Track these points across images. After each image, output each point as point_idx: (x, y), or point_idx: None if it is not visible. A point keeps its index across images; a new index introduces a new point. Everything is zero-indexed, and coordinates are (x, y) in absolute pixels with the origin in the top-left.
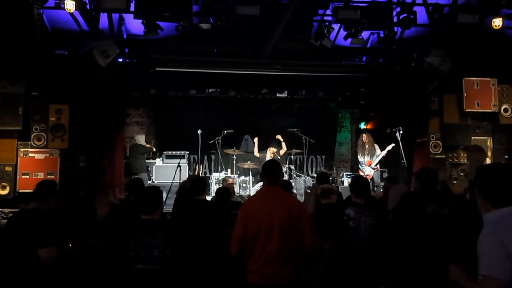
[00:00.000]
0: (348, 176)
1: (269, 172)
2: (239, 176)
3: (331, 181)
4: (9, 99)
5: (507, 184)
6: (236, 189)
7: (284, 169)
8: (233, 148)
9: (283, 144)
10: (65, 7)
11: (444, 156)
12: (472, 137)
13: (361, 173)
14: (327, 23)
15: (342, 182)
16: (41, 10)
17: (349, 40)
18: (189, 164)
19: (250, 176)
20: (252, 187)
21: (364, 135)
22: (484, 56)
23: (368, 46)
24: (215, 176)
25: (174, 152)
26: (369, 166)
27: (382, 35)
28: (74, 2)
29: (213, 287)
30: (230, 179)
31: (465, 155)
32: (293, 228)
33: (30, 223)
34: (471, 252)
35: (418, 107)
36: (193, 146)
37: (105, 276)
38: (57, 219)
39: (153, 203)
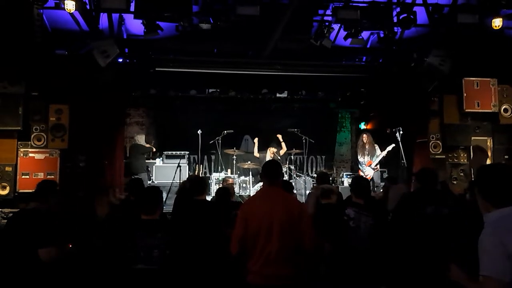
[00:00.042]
0: (348, 176)
1: (269, 173)
2: (239, 176)
3: (331, 181)
4: (9, 99)
5: (507, 185)
6: (236, 189)
7: (284, 169)
8: (233, 148)
9: (283, 144)
10: (65, 7)
11: (444, 156)
12: (472, 137)
13: (361, 173)
14: (327, 23)
15: (342, 182)
16: (41, 10)
17: (349, 40)
18: (189, 164)
19: (250, 176)
20: (252, 187)
21: (364, 135)
22: (484, 56)
23: (368, 46)
24: (215, 176)
25: (174, 152)
26: (369, 166)
27: (382, 35)
28: (74, 2)
29: (213, 287)
30: (230, 179)
31: (465, 155)
32: (293, 228)
33: (30, 223)
34: (471, 252)
35: (418, 107)
36: (193, 146)
37: (105, 276)
38: (57, 219)
39: (153, 203)
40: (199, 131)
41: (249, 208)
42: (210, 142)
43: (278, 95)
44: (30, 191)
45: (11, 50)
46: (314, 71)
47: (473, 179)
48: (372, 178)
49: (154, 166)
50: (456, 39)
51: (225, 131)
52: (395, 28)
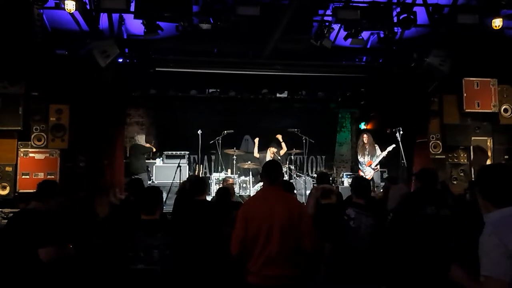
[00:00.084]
0: (348, 177)
1: (270, 173)
2: (239, 176)
3: (331, 181)
4: (9, 99)
5: (508, 185)
6: (236, 189)
7: (284, 169)
8: (233, 148)
9: (283, 144)
10: (65, 7)
11: (444, 156)
12: (472, 138)
13: (361, 174)
14: (327, 23)
15: (342, 182)
16: (41, 10)
17: (349, 40)
18: (189, 164)
19: (250, 176)
20: (252, 187)
21: (364, 135)
22: (484, 56)
23: (368, 46)
24: (215, 176)
25: (174, 152)
26: (369, 166)
27: (382, 35)
28: (74, 2)
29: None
30: (230, 179)
31: (465, 155)
32: (293, 229)
33: (30, 223)
34: (471, 252)
35: (418, 107)
36: (193, 146)
37: (105, 276)
38: (57, 219)
39: (153, 203)
40: (199, 131)
41: (249, 208)
42: (210, 142)
43: (278, 95)
44: (30, 191)
45: (11, 50)
46: (314, 71)
47: (473, 179)
48: (372, 178)
49: (154, 166)
50: (456, 39)
51: (225, 131)
52: (395, 28)
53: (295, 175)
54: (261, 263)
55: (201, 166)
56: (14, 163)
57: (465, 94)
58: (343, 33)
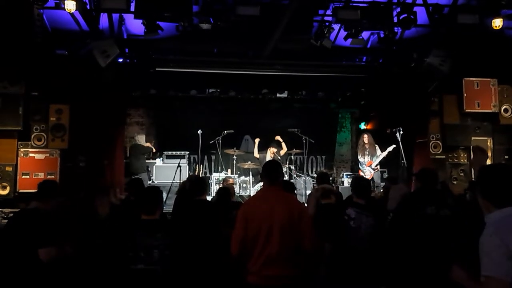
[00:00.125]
0: (348, 177)
1: (270, 173)
2: (239, 176)
3: (331, 181)
4: (9, 99)
5: (508, 185)
6: (236, 189)
7: (284, 169)
8: (233, 148)
9: (283, 144)
10: (65, 7)
11: (444, 156)
12: (472, 138)
13: (361, 174)
14: (327, 23)
15: (342, 182)
16: (41, 10)
17: (349, 40)
18: (189, 164)
19: (250, 176)
20: (252, 187)
21: (365, 135)
22: (484, 56)
23: (368, 46)
24: (215, 176)
25: (174, 152)
26: (369, 166)
27: (382, 35)
28: (74, 2)
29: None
30: (230, 179)
31: (465, 155)
32: (294, 229)
33: (30, 223)
34: (471, 252)
35: (418, 107)
36: (193, 146)
37: (105, 276)
38: (57, 219)
39: (153, 203)
40: (199, 131)
41: (249, 208)
42: (210, 142)
43: (278, 95)
44: (30, 191)
45: (11, 50)
46: (314, 71)
47: (473, 179)
48: (372, 178)
49: (154, 166)
50: (456, 39)
51: (225, 131)
52: (395, 28)
53: (295, 175)
54: (261, 263)
55: (201, 166)
56: (14, 163)
57: (465, 94)
58: (343, 33)
